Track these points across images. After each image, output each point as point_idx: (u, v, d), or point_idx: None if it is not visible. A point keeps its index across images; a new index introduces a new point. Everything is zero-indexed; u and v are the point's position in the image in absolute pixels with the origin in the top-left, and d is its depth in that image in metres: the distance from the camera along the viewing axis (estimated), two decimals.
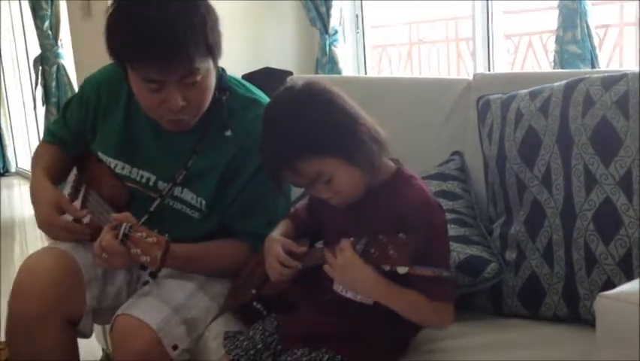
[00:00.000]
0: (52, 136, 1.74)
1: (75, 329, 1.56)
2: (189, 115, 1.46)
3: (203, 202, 1.55)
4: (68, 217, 1.58)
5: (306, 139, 1.19)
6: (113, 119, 1.60)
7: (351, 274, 1.19)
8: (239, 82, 1.62)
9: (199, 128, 1.52)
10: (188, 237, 1.53)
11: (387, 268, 1.14)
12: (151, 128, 1.56)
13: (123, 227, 1.40)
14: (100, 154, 1.63)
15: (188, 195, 1.55)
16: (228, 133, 1.52)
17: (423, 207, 1.23)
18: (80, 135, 1.68)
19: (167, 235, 1.39)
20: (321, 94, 1.24)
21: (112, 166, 1.61)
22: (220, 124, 1.53)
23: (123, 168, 1.60)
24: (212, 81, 1.47)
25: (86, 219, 1.57)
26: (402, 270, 1.12)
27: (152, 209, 1.56)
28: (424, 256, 1.15)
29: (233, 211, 1.55)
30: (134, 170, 1.59)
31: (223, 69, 1.57)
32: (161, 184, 1.57)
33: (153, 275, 1.37)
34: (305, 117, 1.21)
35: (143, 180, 1.59)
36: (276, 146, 1.23)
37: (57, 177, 1.69)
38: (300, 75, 2.59)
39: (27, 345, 1.50)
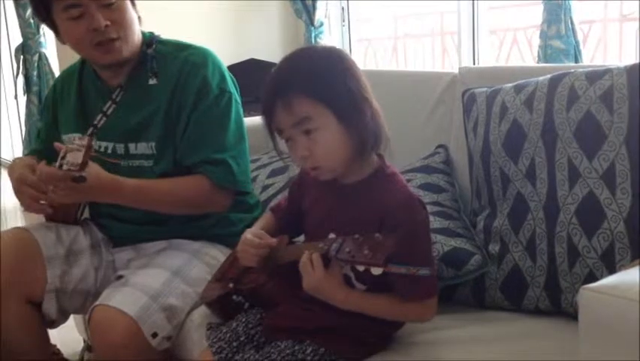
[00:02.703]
0: (28, 150, 1.87)
1: (39, 310, 1.60)
2: (116, 34, 1.56)
3: (153, 145, 1.62)
4: None
5: (312, 79, 1.20)
6: (69, 101, 1.74)
7: (319, 290, 1.22)
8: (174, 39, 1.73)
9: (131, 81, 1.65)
10: None
11: (361, 268, 1.13)
12: (100, 99, 1.68)
13: (61, 153, 1.47)
14: (63, 137, 1.71)
15: (142, 148, 1.63)
16: (153, 82, 1.63)
17: (404, 207, 1.22)
18: (50, 141, 1.72)
19: (94, 138, 1.54)
20: (346, 58, 1.25)
21: None
22: (147, 75, 1.64)
23: None
24: (132, 12, 1.60)
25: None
26: (376, 271, 1.10)
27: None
28: (402, 254, 1.13)
29: (184, 147, 1.62)
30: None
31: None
32: (118, 147, 1.65)
33: (80, 179, 1.44)
34: (320, 64, 1.23)
35: (102, 149, 1.66)
36: (283, 73, 1.24)
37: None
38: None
39: None
